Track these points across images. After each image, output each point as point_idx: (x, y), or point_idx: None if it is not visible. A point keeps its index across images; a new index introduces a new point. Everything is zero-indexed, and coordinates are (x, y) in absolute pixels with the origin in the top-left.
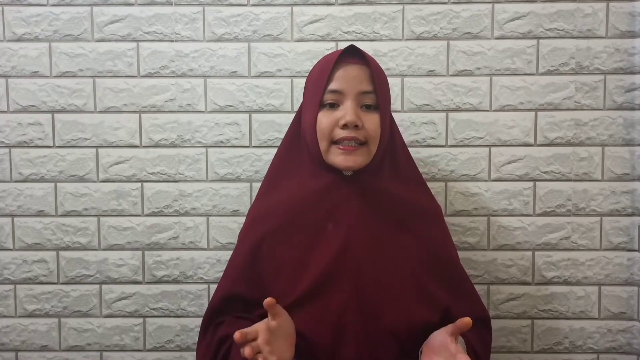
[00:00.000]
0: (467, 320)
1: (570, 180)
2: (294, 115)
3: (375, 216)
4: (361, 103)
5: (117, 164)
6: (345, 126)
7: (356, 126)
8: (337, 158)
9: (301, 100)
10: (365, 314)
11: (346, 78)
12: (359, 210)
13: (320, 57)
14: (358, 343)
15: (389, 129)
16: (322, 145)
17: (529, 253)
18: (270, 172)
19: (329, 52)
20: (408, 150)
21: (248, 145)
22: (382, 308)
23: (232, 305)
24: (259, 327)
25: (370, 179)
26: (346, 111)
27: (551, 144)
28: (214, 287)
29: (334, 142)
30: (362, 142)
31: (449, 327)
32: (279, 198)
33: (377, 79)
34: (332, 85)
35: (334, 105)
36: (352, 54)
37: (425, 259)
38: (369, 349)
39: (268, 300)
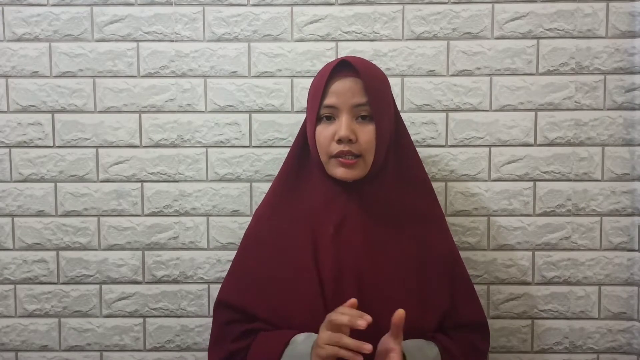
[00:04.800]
0: (399, 313)
1: (570, 180)
2: (294, 115)
3: (376, 221)
4: (356, 115)
5: (117, 164)
6: (340, 141)
7: (350, 140)
8: (337, 170)
9: (302, 101)
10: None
11: (339, 92)
12: (360, 215)
13: (320, 57)
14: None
15: (395, 131)
16: (322, 158)
17: (529, 253)
18: (281, 175)
19: (329, 52)
20: (416, 151)
21: (248, 145)
22: (382, 311)
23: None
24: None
25: (371, 184)
26: (340, 126)
27: (551, 144)
28: (213, 287)
29: (332, 155)
30: (357, 155)
31: (390, 330)
32: (287, 202)
33: (371, 90)
34: (327, 101)
35: (330, 118)
36: (345, 66)
37: (426, 263)
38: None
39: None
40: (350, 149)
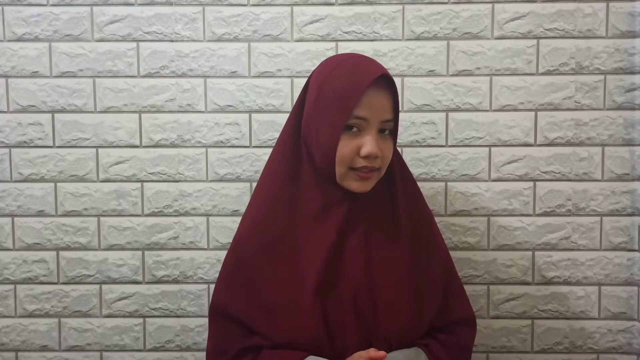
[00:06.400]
0: (382, 354)
1: (570, 180)
2: None
3: (375, 227)
4: (380, 129)
5: (117, 164)
6: (367, 157)
7: (376, 157)
8: (353, 184)
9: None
10: (361, 321)
11: (372, 105)
12: (361, 221)
13: (320, 57)
14: (354, 348)
15: None
16: (340, 170)
17: (529, 253)
18: (268, 175)
19: (329, 52)
20: (399, 153)
21: (248, 145)
22: (377, 315)
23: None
24: None
25: (369, 191)
26: (369, 141)
27: (551, 144)
28: (213, 287)
29: (353, 168)
30: (376, 168)
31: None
32: (282, 207)
33: (396, 107)
34: (359, 112)
35: (352, 129)
36: (380, 79)
37: (421, 266)
38: None
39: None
40: (374, 164)
